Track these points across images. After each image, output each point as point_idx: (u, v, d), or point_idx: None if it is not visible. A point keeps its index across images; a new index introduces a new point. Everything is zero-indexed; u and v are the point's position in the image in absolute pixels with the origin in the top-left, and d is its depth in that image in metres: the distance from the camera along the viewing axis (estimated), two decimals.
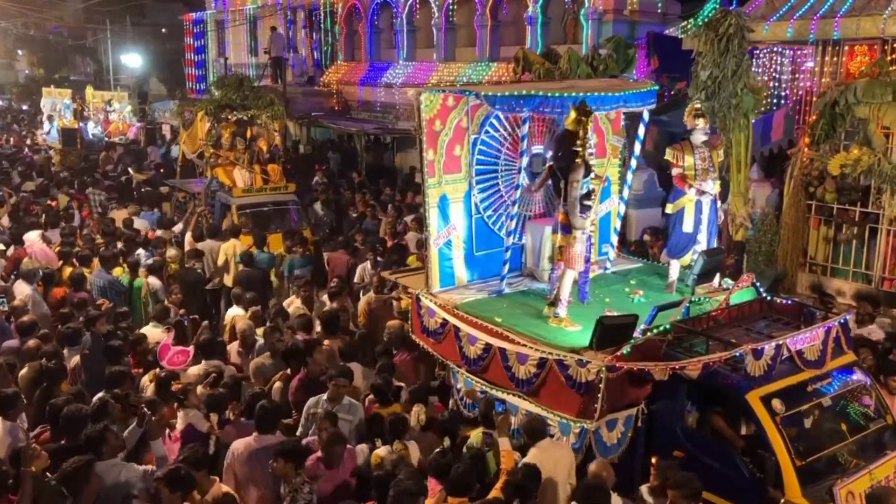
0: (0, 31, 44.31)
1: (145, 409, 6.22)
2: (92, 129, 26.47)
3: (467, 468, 5.58)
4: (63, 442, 5.97)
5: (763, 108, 11.45)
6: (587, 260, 7.20)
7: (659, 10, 16.62)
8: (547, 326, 6.92)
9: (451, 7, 20.67)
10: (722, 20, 9.59)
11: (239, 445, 6.13)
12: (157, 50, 44.12)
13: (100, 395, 6.68)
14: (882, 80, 9.26)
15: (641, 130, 7.93)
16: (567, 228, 6.86)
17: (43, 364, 7.31)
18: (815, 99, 11.04)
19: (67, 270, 10.66)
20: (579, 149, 6.69)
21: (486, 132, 7.78)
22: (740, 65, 9.62)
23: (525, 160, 7.74)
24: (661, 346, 6.26)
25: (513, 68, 13.64)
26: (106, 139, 26.20)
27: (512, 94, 6.95)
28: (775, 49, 12.14)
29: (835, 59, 11.51)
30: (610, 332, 6.18)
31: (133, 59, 42.11)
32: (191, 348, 8.17)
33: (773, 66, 12.24)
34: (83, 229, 13.86)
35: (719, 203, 8.32)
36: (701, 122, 7.76)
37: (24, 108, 41.57)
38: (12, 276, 10.67)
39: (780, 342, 6.08)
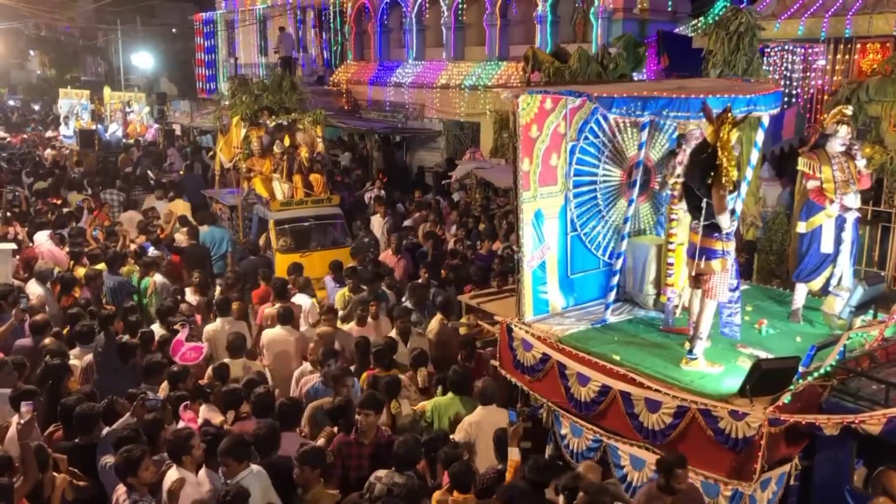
0: (12, 32, 44.48)
1: (152, 396, 6.33)
2: (111, 130, 26.36)
3: (467, 466, 5.56)
4: (77, 440, 6.04)
5: None
6: (733, 288, 6.20)
7: (669, 9, 16.54)
8: (678, 367, 5.96)
9: (460, 6, 20.66)
10: (733, 18, 9.58)
11: None
12: (168, 50, 44.22)
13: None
14: (894, 77, 9.22)
15: (760, 136, 6.91)
16: (710, 253, 5.84)
17: (47, 361, 7.32)
18: (826, 97, 11.01)
19: (80, 271, 10.67)
20: (723, 161, 5.57)
21: (586, 139, 6.91)
22: (751, 63, 9.61)
23: (639, 172, 6.70)
24: (822, 392, 5.42)
25: (522, 67, 13.67)
26: (124, 140, 26.11)
27: (632, 96, 5.86)
28: (786, 47, 12.09)
29: (846, 56, 11.46)
30: (769, 378, 5.32)
31: (144, 60, 42.26)
32: (204, 345, 8.21)
33: (785, 64, 12.20)
34: (92, 229, 13.86)
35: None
36: (843, 130, 6.61)
37: (37, 108, 41.84)
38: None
39: None
